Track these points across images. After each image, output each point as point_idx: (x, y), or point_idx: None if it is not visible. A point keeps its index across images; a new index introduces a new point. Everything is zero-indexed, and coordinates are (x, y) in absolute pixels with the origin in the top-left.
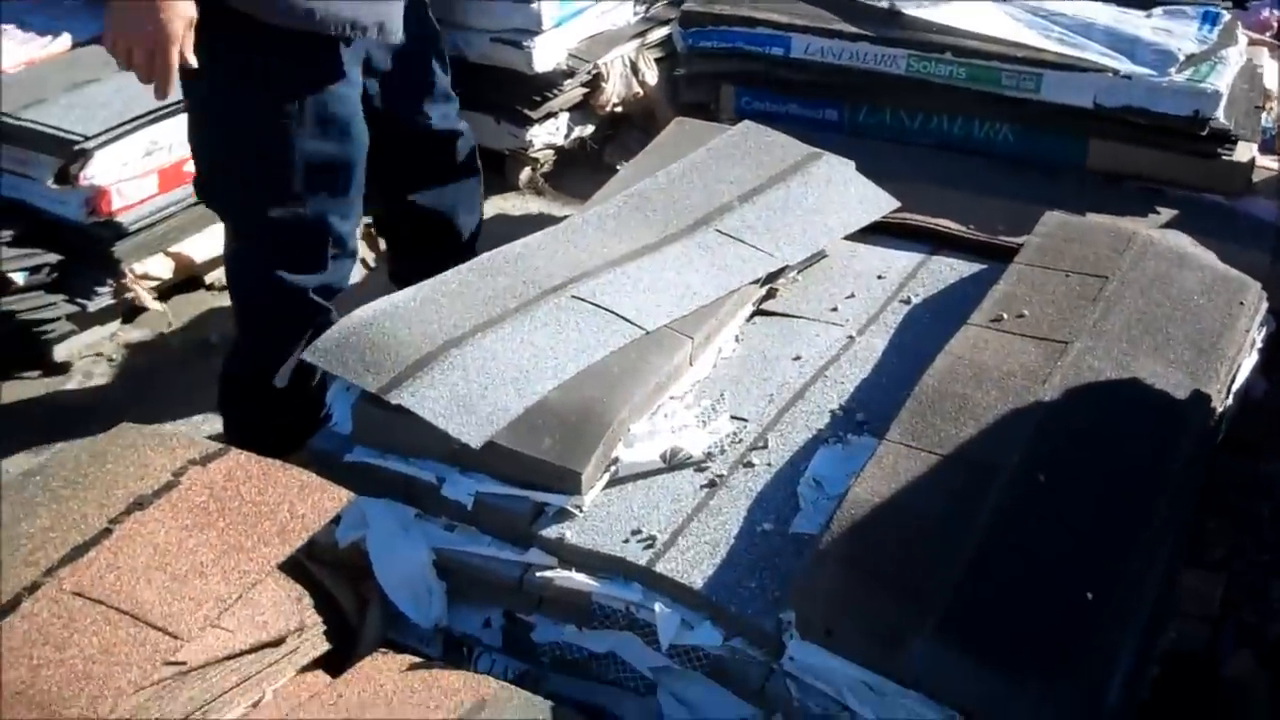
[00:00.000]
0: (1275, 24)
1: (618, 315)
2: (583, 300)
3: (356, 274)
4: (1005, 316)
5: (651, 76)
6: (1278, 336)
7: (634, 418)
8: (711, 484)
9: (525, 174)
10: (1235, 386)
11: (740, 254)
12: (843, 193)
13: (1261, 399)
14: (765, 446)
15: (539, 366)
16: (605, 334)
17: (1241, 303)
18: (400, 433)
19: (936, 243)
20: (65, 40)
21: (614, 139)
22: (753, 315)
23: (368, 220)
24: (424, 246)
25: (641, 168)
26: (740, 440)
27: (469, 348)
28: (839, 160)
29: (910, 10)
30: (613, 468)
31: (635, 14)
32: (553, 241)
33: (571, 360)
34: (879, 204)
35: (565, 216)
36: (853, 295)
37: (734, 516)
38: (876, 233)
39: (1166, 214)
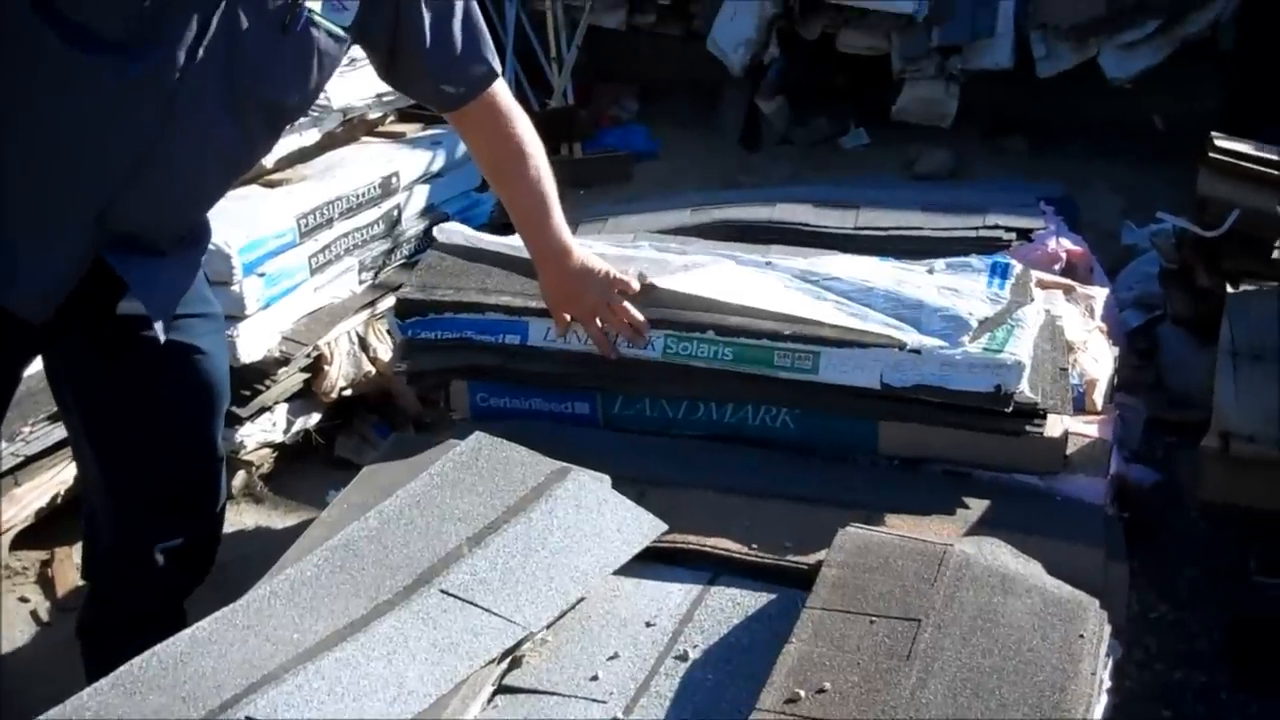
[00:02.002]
0: (1063, 255)
1: None
2: None
3: (25, 630)
4: (802, 694)
5: (385, 352)
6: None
7: None
8: None
9: (239, 479)
10: None
11: (472, 624)
12: (597, 521)
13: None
14: None
15: None
16: None
17: (1081, 635)
18: None
19: (715, 569)
20: None
21: (346, 427)
22: (494, 694)
23: (42, 556)
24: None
25: (350, 506)
26: None
27: None
28: (591, 477)
29: (663, 283)
30: None
31: (361, 282)
32: (228, 630)
33: None
34: (641, 530)
35: (289, 527)
36: (616, 655)
37: None
38: (643, 560)
39: (977, 505)
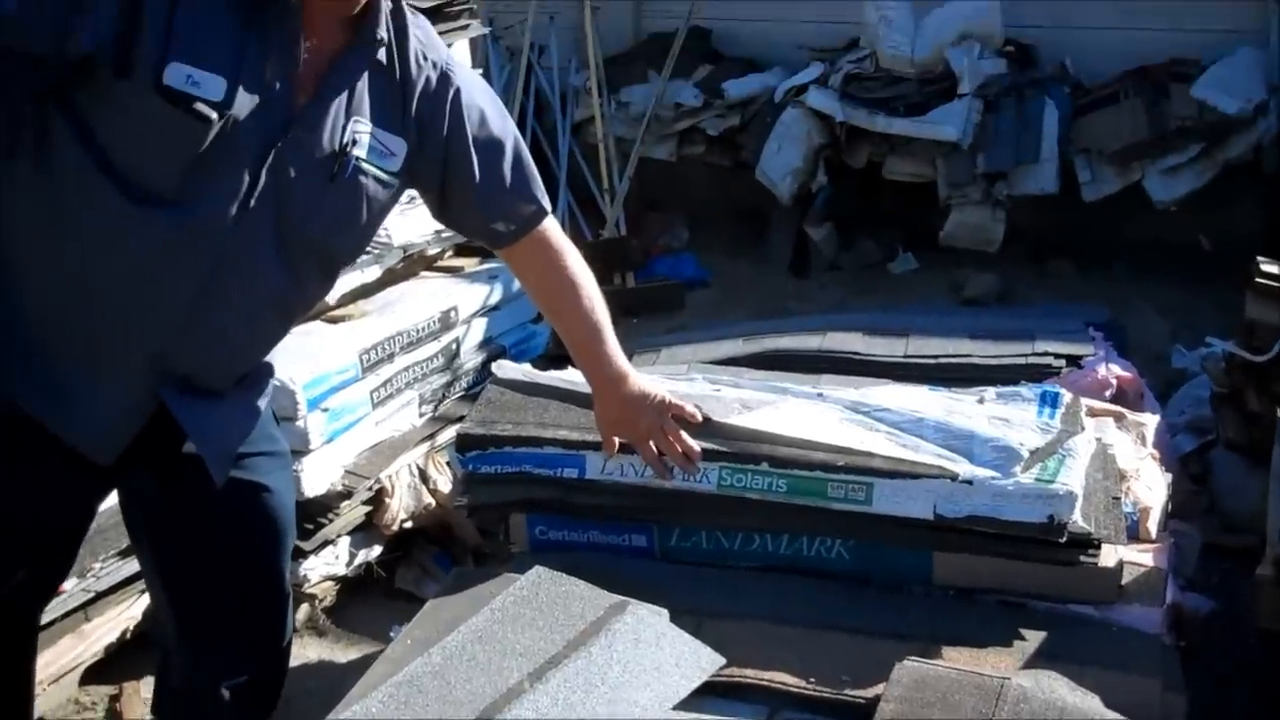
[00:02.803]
0: (1113, 381)
1: None
2: None
3: None
4: None
5: (445, 484)
6: None
7: None
8: None
9: (302, 612)
10: None
11: None
12: (656, 655)
13: None
14: None
15: None
16: None
17: None
18: None
19: (774, 703)
20: None
21: (406, 559)
22: None
23: (111, 692)
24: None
25: (414, 641)
26: None
27: None
28: (649, 611)
29: (719, 418)
30: None
31: (421, 415)
32: None
33: None
34: (699, 664)
35: (351, 661)
36: None
37: None
38: (702, 694)
39: (1033, 636)
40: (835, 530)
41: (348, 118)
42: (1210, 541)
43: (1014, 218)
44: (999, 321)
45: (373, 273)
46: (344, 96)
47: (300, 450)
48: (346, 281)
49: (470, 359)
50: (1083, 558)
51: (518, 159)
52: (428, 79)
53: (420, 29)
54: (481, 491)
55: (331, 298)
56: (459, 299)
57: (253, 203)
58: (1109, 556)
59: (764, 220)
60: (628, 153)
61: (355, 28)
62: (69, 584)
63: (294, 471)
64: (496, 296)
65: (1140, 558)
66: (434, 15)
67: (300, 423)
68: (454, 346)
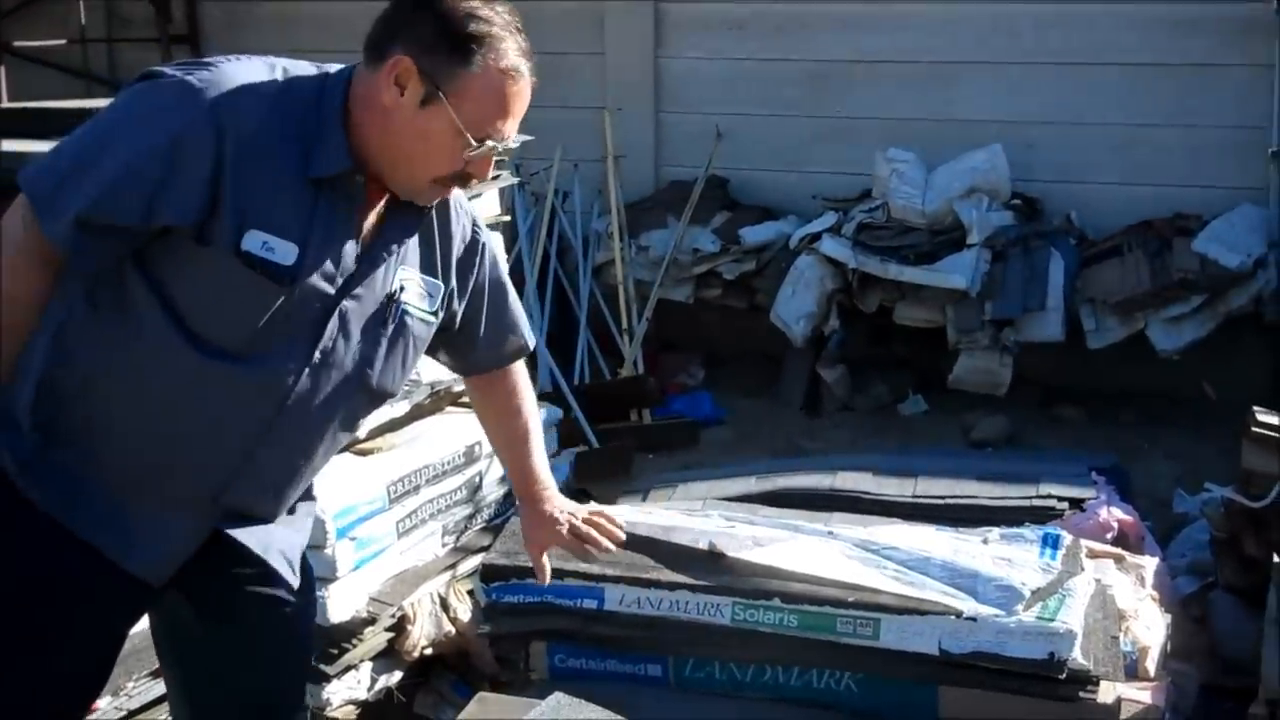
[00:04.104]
0: (1115, 524)
1: None
2: None
3: None
4: None
5: (465, 612)
6: None
7: None
8: None
9: None
10: None
11: None
12: None
13: None
14: None
15: None
16: None
17: None
18: None
19: None
20: None
21: (426, 685)
22: None
23: None
24: None
25: None
26: None
27: None
28: None
29: (732, 553)
30: None
31: (444, 545)
32: None
33: None
34: None
35: None
36: None
37: None
38: None
39: None
40: (844, 664)
41: (396, 266)
42: (1208, 682)
43: (1022, 363)
44: (1006, 464)
45: (401, 408)
46: (395, 249)
47: (327, 578)
48: (377, 416)
49: (492, 492)
50: (1082, 694)
51: (515, 300)
52: (464, 227)
53: None
54: (504, 620)
55: (361, 432)
56: (482, 434)
57: (316, 355)
58: (1108, 693)
59: (778, 361)
60: (647, 295)
61: None
62: (102, 702)
63: (320, 598)
64: None
65: (1139, 695)
66: None
67: (329, 551)
68: (477, 480)
